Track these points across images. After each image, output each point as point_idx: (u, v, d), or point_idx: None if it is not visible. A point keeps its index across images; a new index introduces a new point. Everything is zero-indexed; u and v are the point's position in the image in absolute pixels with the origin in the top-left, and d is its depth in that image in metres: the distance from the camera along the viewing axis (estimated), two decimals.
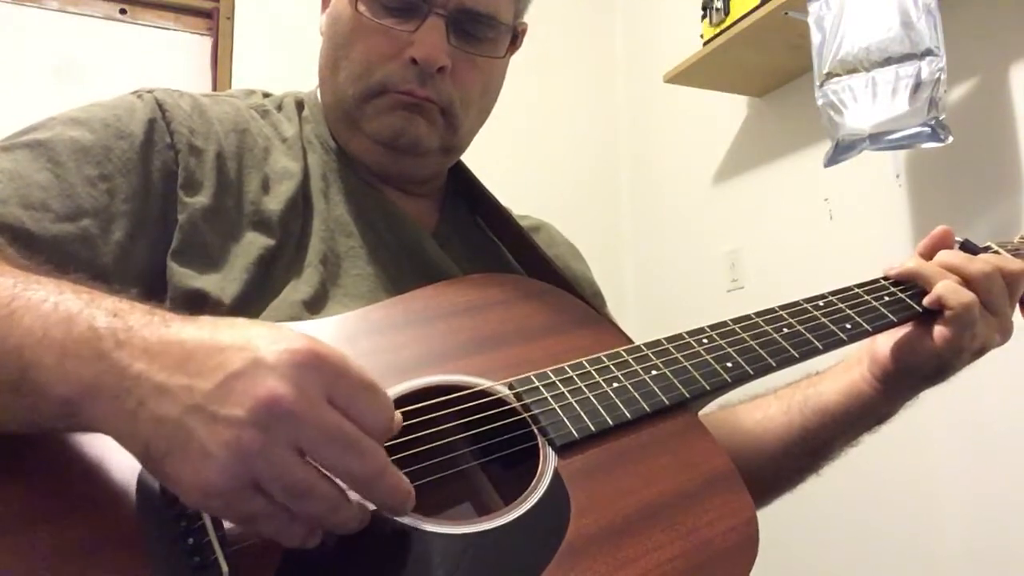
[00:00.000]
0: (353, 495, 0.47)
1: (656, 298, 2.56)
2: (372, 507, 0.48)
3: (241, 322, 0.48)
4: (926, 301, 0.77)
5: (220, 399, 0.43)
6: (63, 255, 0.63)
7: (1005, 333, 0.79)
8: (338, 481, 0.46)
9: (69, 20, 2.22)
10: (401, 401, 0.60)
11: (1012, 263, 0.80)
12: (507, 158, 2.26)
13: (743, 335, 0.72)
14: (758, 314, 0.75)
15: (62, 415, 0.46)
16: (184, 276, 0.68)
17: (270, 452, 0.43)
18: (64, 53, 2.18)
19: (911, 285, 0.80)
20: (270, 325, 0.49)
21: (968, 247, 0.83)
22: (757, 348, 0.71)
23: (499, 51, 0.82)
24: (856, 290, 0.79)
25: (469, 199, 0.93)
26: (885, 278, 0.81)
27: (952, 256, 0.79)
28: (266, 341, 0.45)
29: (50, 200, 0.65)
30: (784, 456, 0.83)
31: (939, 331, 0.75)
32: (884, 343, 0.80)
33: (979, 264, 0.77)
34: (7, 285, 0.50)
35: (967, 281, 0.76)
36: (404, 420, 0.57)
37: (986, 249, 0.84)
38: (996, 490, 1.53)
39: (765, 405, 0.87)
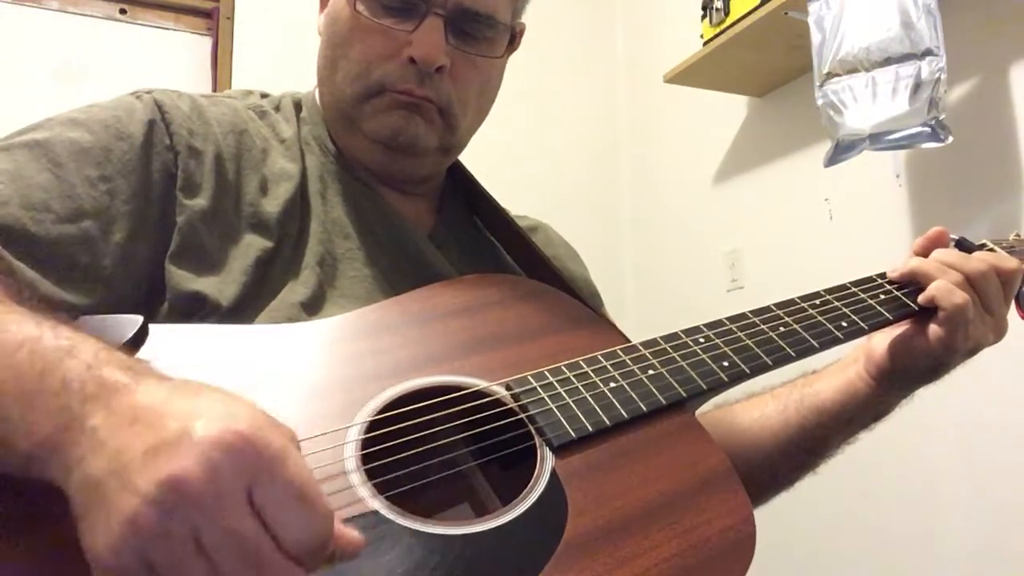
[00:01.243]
0: None
1: (656, 298, 2.56)
2: None
3: (212, 390, 0.44)
4: (920, 299, 0.77)
5: (138, 468, 0.40)
6: (64, 257, 0.64)
7: (999, 332, 0.79)
8: None
9: (69, 20, 2.22)
10: (398, 402, 0.60)
11: (1007, 261, 0.80)
12: (507, 158, 2.26)
13: (739, 334, 0.72)
14: (754, 313, 0.75)
15: (24, 467, 0.45)
16: (182, 278, 0.68)
17: (165, 538, 0.39)
18: (64, 53, 2.18)
19: (908, 283, 0.80)
20: (234, 399, 0.44)
21: (964, 245, 0.84)
22: (753, 347, 0.71)
23: (497, 51, 0.82)
24: (852, 288, 0.79)
25: (467, 199, 0.93)
26: (882, 276, 0.81)
27: (948, 255, 0.79)
28: (210, 415, 0.41)
29: (51, 201, 0.65)
30: (781, 454, 0.84)
31: (933, 330, 0.76)
32: (880, 341, 0.81)
33: (974, 262, 0.78)
34: None
35: (963, 279, 0.76)
36: (402, 421, 0.58)
37: (982, 247, 0.84)
38: (996, 490, 1.52)
39: (762, 404, 0.87)
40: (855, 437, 0.84)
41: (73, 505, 0.42)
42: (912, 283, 0.79)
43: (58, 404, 0.44)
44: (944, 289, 0.75)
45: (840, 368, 0.84)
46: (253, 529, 0.39)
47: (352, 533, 0.44)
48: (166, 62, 2.30)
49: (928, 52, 1.47)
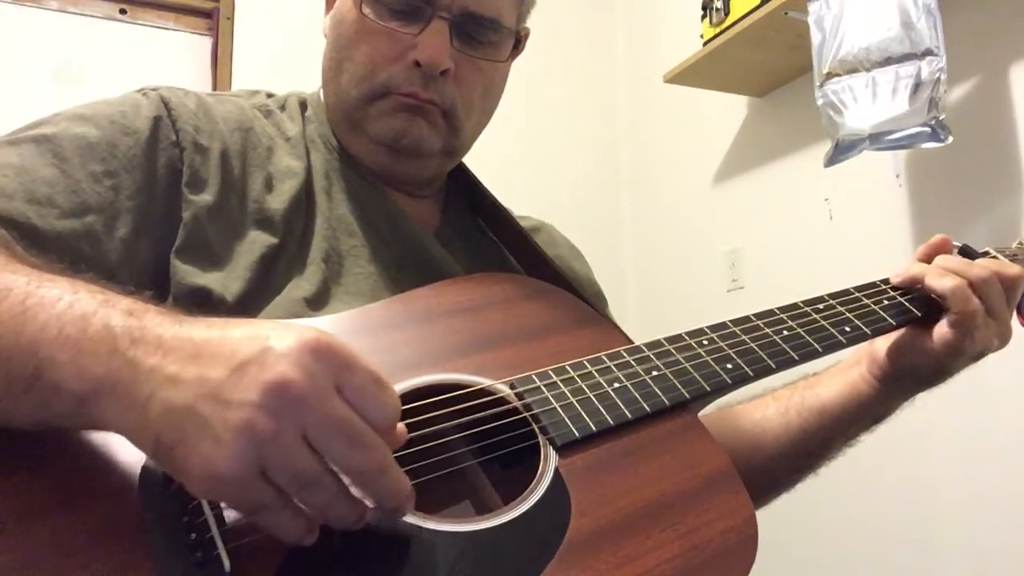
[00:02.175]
0: (355, 491, 0.47)
1: (656, 298, 2.56)
2: (372, 505, 0.48)
3: (253, 320, 0.49)
4: (936, 294, 0.76)
5: (231, 386, 0.44)
6: (68, 251, 0.64)
7: (1003, 338, 0.79)
8: (342, 476, 0.46)
9: (69, 20, 2.22)
10: (402, 399, 0.60)
11: (1010, 268, 0.80)
12: (508, 158, 2.26)
13: (743, 337, 0.72)
14: (757, 316, 0.75)
15: (74, 413, 0.47)
16: (187, 273, 0.68)
17: (280, 438, 0.43)
18: (64, 53, 2.18)
19: (911, 288, 0.80)
20: (281, 322, 0.49)
21: (967, 252, 0.84)
22: (757, 350, 0.71)
23: (502, 55, 0.82)
24: (855, 293, 0.80)
25: (470, 200, 0.93)
26: (885, 282, 0.81)
27: (950, 260, 0.80)
28: (277, 332, 0.46)
29: (56, 196, 0.65)
30: (782, 456, 0.84)
31: (940, 334, 0.76)
32: (883, 344, 0.81)
33: (977, 268, 0.78)
34: (20, 283, 0.50)
35: (967, 286, 0.77)
36: (404, 418, 0.58)
37: (984, 254, 0.84)
38: (996, 491, 1.53)
39: (763, 406, 0.87)
40: (856, 439, 0.85)
41: (152, 440, 0.45)
42: (914, 289, 0.80)
43: (107, 348, 0.46)
44: (960, 293, 0.75)
45: (842, 370, 0.85)
46: (347, 412, 0.45)
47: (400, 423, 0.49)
48: (166, 62, 2.30)
49: (928, 52, 1.47)
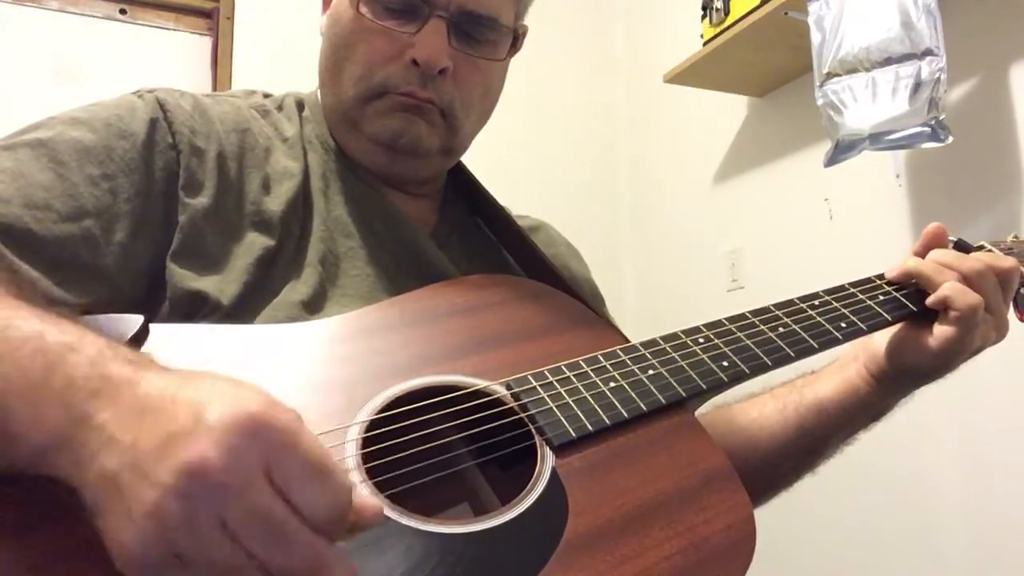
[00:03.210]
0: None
1: (656, 298, 2.56)
2: None
3: (216, 377, 0.44)
4: (929, 301, 0.77)
5: (154, 459, 0.40)
6: (65, 256, 0.64)
7: (1001, 331, 0.79)
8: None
9: (69, 20, 2.22)
10: (399, 401, 0.60)
11: (1004, 261, 0.80)
12: (507, 158, 2.26)
13: (739, 334, 0.72)
14: (753, 313, 0.75)
15: (34, 464, 0.45)
16: (183, 277, 0.68)
17: (192, 524, 0.39)
18: (64, 53, 2.18)
19: (906, 284, 0.80)
20: (237, 383, 0.44)
21: (961, 246, 0.84)
22: (753, 347, 0.71)
23: (500, 53, 0.82)
24: (851, 289, 0.80)
25: (468, 199, 0.93)
26: (880, 277, 0.81)
27: (944, 254, 0.80)
28: (220, 400, 0.41)
29: (53, 200, 0.65)
30: (780, 454, 0.84)
31: (941, 331, 0.76)
32: (880, 341, 0.81)
33: (971, 262, 0.78)
34: None
35: (960, 279, 0.77)
36: (402, 420, 0.58)
37: (979, 248, 0.84)
38: (996, 490, 1.53)
39: (760, 404, 0.87)
40: (854, 437, 0.85)
41: (88, 502, 0.42)
42: (908, 283, 0.79)
43: (64, 400, 0.44)
44: (958, 290, 0.75)
45: (839, 368, 0.85)
46: (277, 506, 0.40)
47: (371, 500, 0.45)
48: (166, 62, 2.30)
49: (928, 52, 1.47)
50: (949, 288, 0.75)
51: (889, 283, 0.80)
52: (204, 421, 0.40)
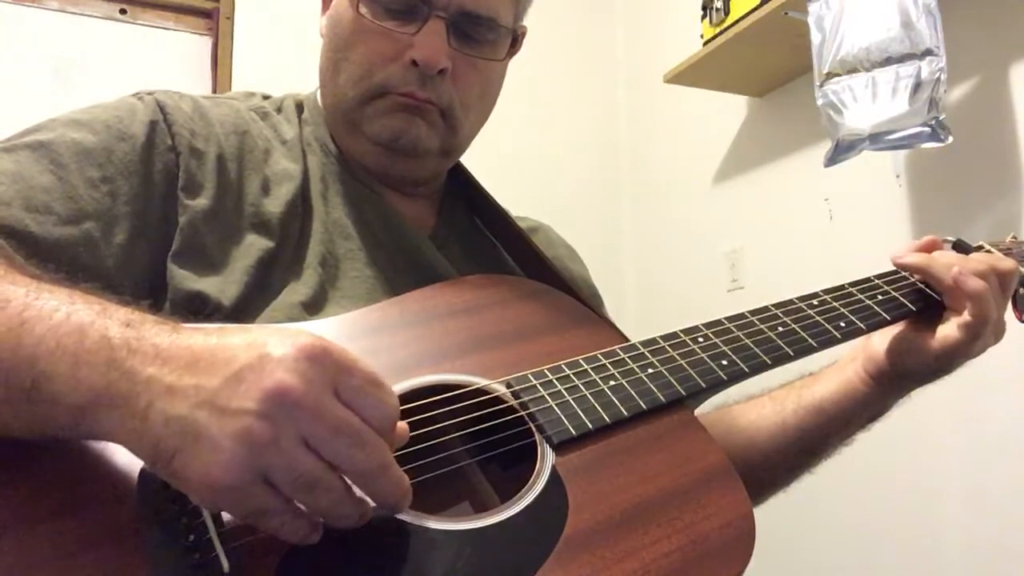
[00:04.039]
0: (355, 490, 0.47)
1: (656, 298, 2.56)
2: (373, 504, 0.48)
3: (250, 327, 0.49)
4: (950, 297, 0.76)
5: (229, 394, 0.44)
6: (66, 258, 0.64)
7: (999, 332, 0.79)
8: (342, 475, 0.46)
9: (69, 20, 2.22)
10: (400, 401, 0.60)
11: (1004, 262, 0.80)
12: (507, 158, 2.26)
13: (738, 333, 0.72)
14: (753, 312, 0.75)
15: (73, 424, 0.47)
16: (184, 278, 0.68)
17: (279, 443, 0.43)
18: (64, 53, 2.19)
19: (905, 283, 0.80)
20: (278, 327, 0.50)
21: (961, 247, 0.84)
22: (752, 346, 0.71)
23: (499, 54, 0.82)
24: (849, 288, 0.80)
25: (468, 200, 0.93)
26: (880, 276, 0.81)
27: (947, 256, 0.80)
28: (274, 339, 0.46)
29: (53, 203, 0.65)
30: (779, 454, 0.84)
31: (944, 334, 0.76)
32: (880, 341, 0.81)
33: (973, 263, 0.78)
34: (19, 295, 0.50)
35: None
36: (402, 418, 0.58)
37: (978, 249, 0.85)
38: (996, 489, 1.53)
39: (759, 405, 0.87)
40: (852, 438, 0.85)
41: (150, 450, 0.45)
42: (905, 281, 0.80)
43: (104, 359, 0.46)
44: (984, 299, 0.74)
45: (838, 368, 0.85)
46: (345, 414, 0.45)
47: (401, 422, 0.50)
48: (166, 62, 2.31)
49: (928, 52, 1.47)
50: (976, 293, 0.74)
51: (888, 282, 0.80)
52: (269, 355, 0.45)
